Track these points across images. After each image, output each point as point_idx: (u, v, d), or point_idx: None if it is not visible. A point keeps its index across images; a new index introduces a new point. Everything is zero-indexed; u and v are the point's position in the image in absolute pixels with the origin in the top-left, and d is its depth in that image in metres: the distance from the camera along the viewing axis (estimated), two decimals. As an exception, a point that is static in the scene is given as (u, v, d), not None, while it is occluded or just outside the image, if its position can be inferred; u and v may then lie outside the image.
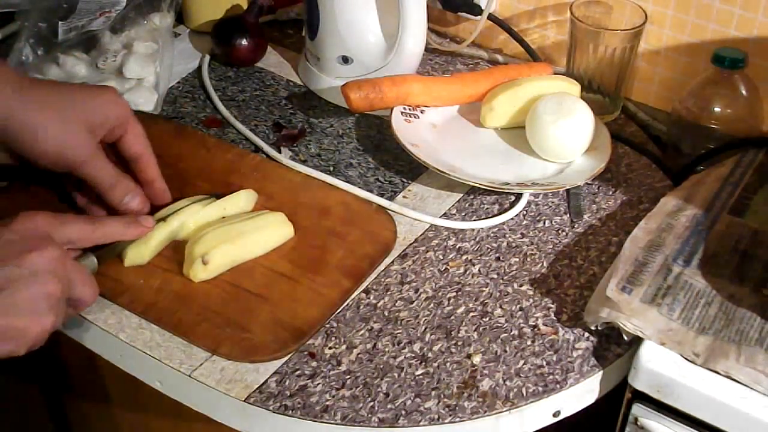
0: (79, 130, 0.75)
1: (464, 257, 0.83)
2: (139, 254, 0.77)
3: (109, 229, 0.73)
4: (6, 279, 0.62)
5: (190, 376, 0.71)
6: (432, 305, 0.78)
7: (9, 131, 0.73)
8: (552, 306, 0.78)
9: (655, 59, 1.01)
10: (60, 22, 0.98)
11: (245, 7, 1.11)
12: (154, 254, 0.78)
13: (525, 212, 0.88)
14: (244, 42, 1.05)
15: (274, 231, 0.80)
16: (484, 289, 0.80)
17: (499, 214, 0.88)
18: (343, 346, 0.74)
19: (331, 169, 0.92)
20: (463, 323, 0.76)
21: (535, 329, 0.76)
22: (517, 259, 0.83)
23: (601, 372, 0.73)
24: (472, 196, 0.90)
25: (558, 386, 0.71)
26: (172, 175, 0.84)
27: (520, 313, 0.77)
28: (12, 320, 0.62)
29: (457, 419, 0.69)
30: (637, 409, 0.73)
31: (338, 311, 0.77)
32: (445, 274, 0.81)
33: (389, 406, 0.70)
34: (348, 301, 0.78)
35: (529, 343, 0.75)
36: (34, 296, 0.63)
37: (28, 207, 0.83)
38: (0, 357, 0.63)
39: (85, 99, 0.76)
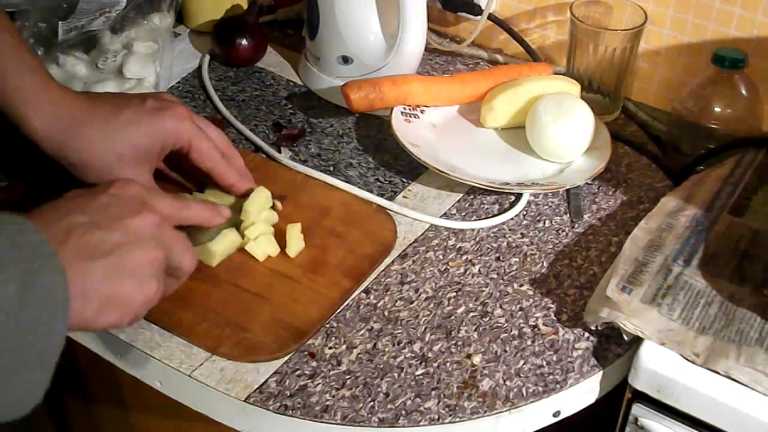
0: (126, 165, 0.76)
1: (464, 257, 0.83)
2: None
3: (194, 211, 0.70)
4: (110, 244, 0.60)
5: (190, 376, 0.71)
6: (432, 305, 0.78)
7: (62, 158, 0.76)
8: (552, 306, 0.78)
9: (655, 59, 1.01)
10: (60, 22, 0.98)
11: (245, 7, 1.11)
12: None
13: (525, 212, 0.88)
14: (244, 42, 1.05)
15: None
16: (484, 289, 0.80)
17: (499, 214, 0.88)
18: (343, 346, 0.74)
19: (331, 169, 0.92)
20: (463, 323, 0.76)
21: (535, 329, 0.76)
22: (517, 259, 0.83)
23: (601, 372, 0.73)
24: (472, 196, 0.90)
25: (558, 386, 0.71)
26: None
27: (520, 313, 0.77)
28: (118, 286, 0.60)
29: (457, 419, 0.69)
30: (637, 409, 0.73)
31: (338, 311, 0.77)
32: (445, 274, 0.81)
33: (389, 406, 0.70)
34: (348, 301, 0.78)
35: (529, 343, 0.75)
36: (137, 262, 0.61)
37: (27, 206, 0.84)
38: (105, 327, 0.60)
39: (138, 129, 0.76)
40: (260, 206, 0.80)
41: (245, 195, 0.81)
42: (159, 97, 0.79)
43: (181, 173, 0.84)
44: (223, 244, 0.78)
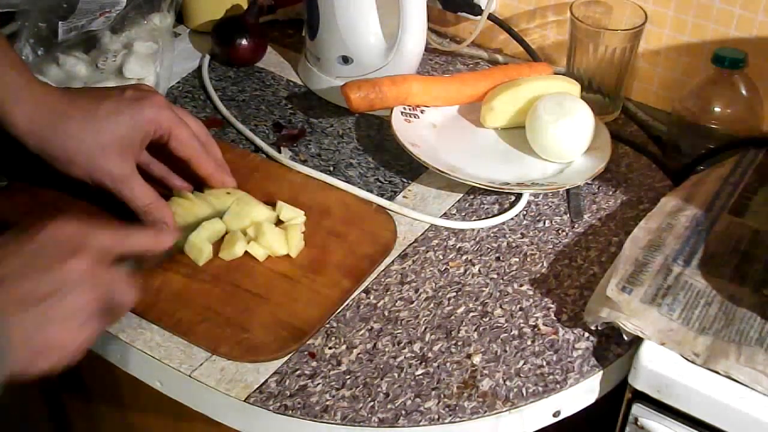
0: (109, 156, 0.77)
1: (464, 257, 0.83)
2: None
3: (138, 239, 0.69)
4: (41, 293, 0.59)
5: (190, 376, 0.71)
6: (432, 305, 0.78)
7: (45, 153, 0.77)
8: (552, 306, 0.78)
9: (655, 59, 1.01)
10: (60, 22, 0.98)
11: (245, 7, 1.11)
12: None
13: (525, 212, 0.88)
14: (244, 42, 1.05)
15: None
16: (484, 289, 0.80)
17: (499, 214, 0.88)
18: (343, 346, 0.74)
19: (331, 169, 0.92)
20: (463, 323, 0.76)
21: (535, 329, 0.76)
22: (517, 259, 0.83)
23: (601, 372, 0.73)
24: (472, 196, 0.90)
25: (558, 386, 0.71)
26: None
27: (520, 313, 0.77)
28: (50, 335, 0.59)
29: (457, 419, 0.69)
30: (637, 409, 0.73)
31: (338, 311, 0.77)
32: (445, 274, 0.81)
33: (389, 406, 0.70)
34: (348, 301, 0.78)
35: (529, 343, 0.75)
36: (69, 309, 0.60)
37: (28, 207, 0.84)
38: (38, 374, 0.60)
39: (118, 119, 0.77)
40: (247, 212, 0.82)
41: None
42: (137, 87, 0.80)
43: (178, 174, 0.84)
44: (201, 238, 0.79)
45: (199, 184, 0.84)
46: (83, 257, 0.62)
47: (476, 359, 0.73)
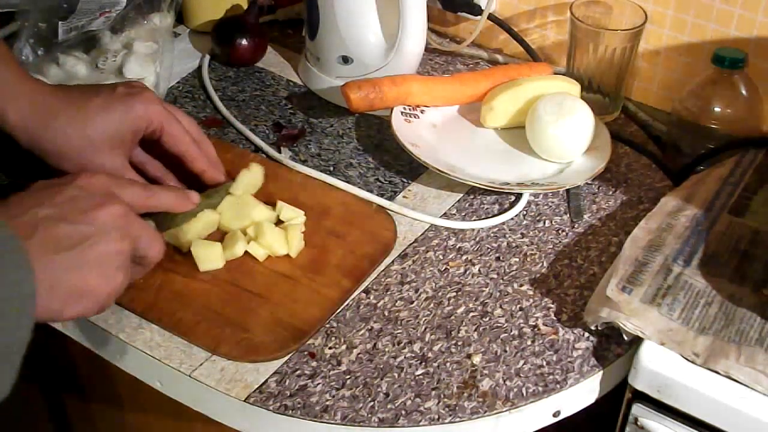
0: (100, 151, 0.77)
1: (464, 257, 0.83)
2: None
3: (162, 198, 0.72)
4: (77, 237, 0.61)
5: (190, 376, 0.71)
6: (432, 305, 0.78)
7: (37, 149, 0.77)
8: (552, 306, 0.78)
9: (655, 59, 1.01)
10: (60, 22, 0.98)
11: (245, 7, 1.11)
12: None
13: (525, 212, 0.88)
14: (244, 42, 1.05)
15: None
16: (484, 289, 0.80)
17: (499, 214, 0.88)
18: (343, 346, 0.74)
19: (331, 169, 0.92)
20: (463, 323, 0.76)
21: (535, 329, 0.76)
22: (517, 259, 0.83)
23: (601, 372, 0.73)
24: (472, 196, 0.90)
25: (558, 386, 0.71)
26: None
27: (520, 313, 0.77)
28: (84, 279, 0.61)
29: (457, 419, 0.69)
30: (637, 409, 0.73)
31: (338, 311, 0.77)
32: (445, 274, 0.81)
33: (389, 406, 0.70)
34: (348, 301, 0.78)
35: (529, 343, 0.75)
36: (103, 254, 0.62)
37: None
38: (72, 318, 0.62)
39: (109, 115, 0.77)
40: (249, 182, 0.82)
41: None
42: (129, 84, 0.80)
43: (178, 177, 0.84)
44: (195, 228, 0.79)
45: (197, 187, 0.84)
46: (115, 205, 0.64)
47: (476, 359, 0.73)
